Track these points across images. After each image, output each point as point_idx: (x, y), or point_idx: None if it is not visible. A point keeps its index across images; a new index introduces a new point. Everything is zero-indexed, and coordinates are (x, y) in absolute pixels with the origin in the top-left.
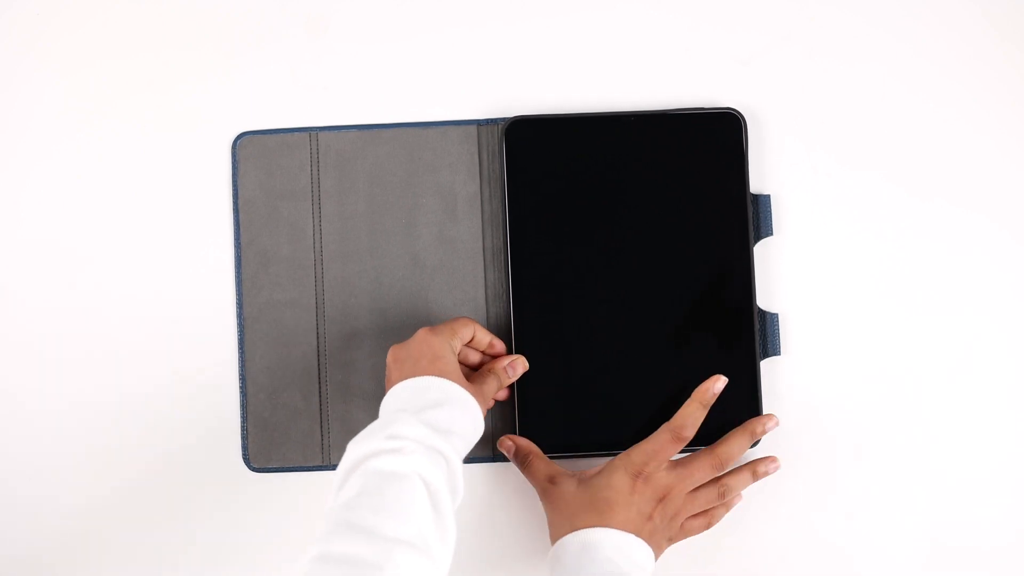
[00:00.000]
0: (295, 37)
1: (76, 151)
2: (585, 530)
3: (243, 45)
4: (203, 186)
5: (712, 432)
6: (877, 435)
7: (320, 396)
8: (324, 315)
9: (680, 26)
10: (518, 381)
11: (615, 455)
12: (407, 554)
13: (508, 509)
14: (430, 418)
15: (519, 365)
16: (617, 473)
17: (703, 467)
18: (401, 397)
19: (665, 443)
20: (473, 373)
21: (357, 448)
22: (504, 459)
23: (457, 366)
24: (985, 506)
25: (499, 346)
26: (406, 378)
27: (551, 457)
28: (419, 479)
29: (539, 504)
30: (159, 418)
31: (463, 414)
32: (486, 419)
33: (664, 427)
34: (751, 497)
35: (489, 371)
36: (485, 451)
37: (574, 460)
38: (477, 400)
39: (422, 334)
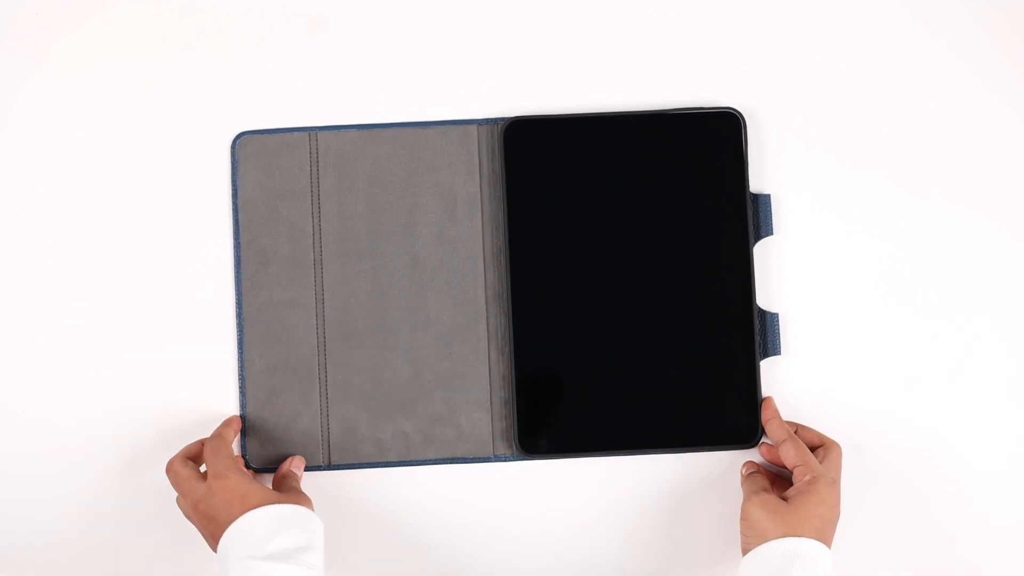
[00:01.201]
0: (295, 37)
1: (76, 151)
2: (798, 539)
3: (243, 45)
4: (203, 186)
5: (707, 433)
6: (877, 435)
7: (320, 396)
8: (324, 315)
9: (680, 26)
10: (517, 381)
11: (615, 455)
12: None
13: (508, 509)
14: (275, 550)
15: (299, 461)
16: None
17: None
18: (226, 546)
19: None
20: (275, 488)
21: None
22: (504, 459)
23: (262, 489)
24: (986, 506)
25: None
26: (225, 528)
27: (551, 457)
28: None
29: (539, 504)
30: (159, 418)
31: (300, 522)
32: (486, 420)
33: (792, 440)
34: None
35: (284, 476)
36: (485, 451)
37: (574, 460)
38: (299, 502)
39: (216, 484)
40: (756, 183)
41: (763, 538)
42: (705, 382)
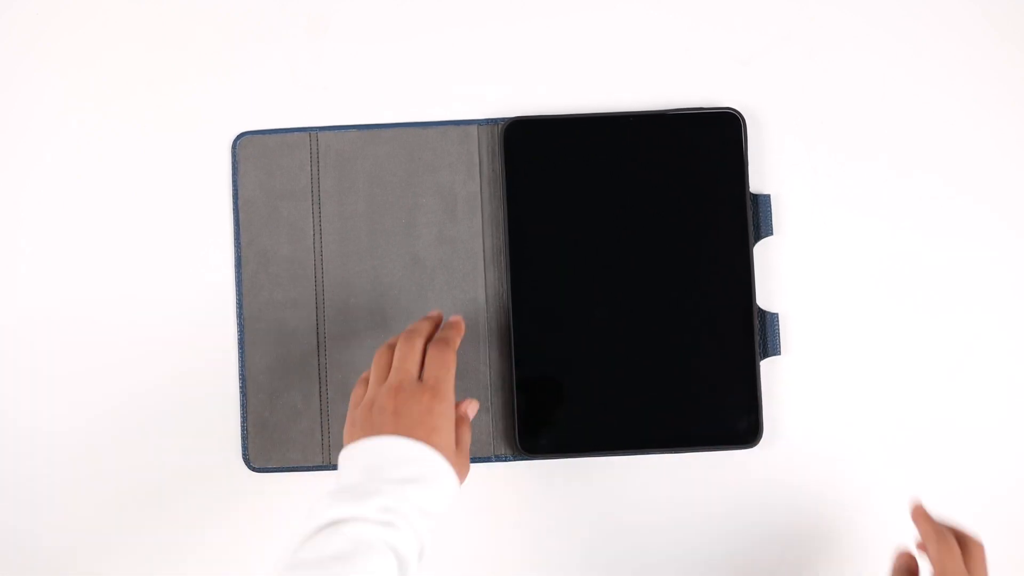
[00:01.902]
0: (295, 37)
1: (76, 151)
2: None
3: (243, 45)
4: (203, 186)
5: (707, 433)
6: (878, 435)
7: (320, 396)
8: (324, 315)
9: (680, 26)
10: (518, 381)
11: (615, 455)
12: None
13: (509, 509)
14: (417, 497)
15: (472, 406)
16: None
17: None
18: (388, 456)
19: None
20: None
21: (340, 508)
22: (504, 459)
23: (453, 440)
24: (987, 505)
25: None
26: (400, 433)
27: (550, 458)
28: (394, 557)
29: (539, 504)
30: (159, 418)
31: (445, 499)
32: (486, 420)
33: (935, 542)
34: (752, 497)
35: (460, 419)
36: (485, 451)
37: (574, 460)
38: (460, 473)
39: (428, 398)
40: (756, 183)
41: None
42: (705, 382)
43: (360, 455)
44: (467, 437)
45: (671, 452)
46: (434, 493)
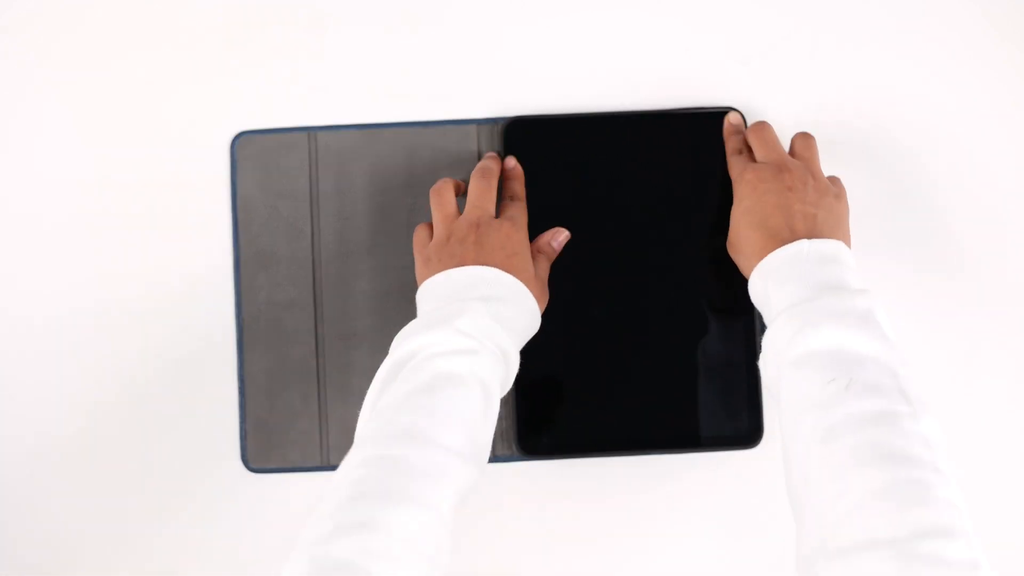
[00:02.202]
0: (294, 37)
1: (75, 151)
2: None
3: (242, 45)
4: (202, 186)
5: (707, 433)
6: None
7: (319, 396)
8: (323, 315)
9: (680, 26)
10: (518, 381)
11: (615, 456)
12: (460, 467)
13: (509, 509)
14: (500, 313)
15: (561, 235)
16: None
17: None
18: (467, 281)
19: None
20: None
21: (419, 337)
22: (504, 459)
23: (531, 267)
24: (986, 505)
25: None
26: (480, 262)
27: (550, 458)
28: (479, 386)
29: (539, 504)
30: (157, 418)
31: (525, 313)
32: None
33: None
34: (751, 497)
35: (537, 250)
36: None
37: (574, 460)
38: (539, 298)
39: (507, 227)
40: None
41: (739, 265)
42: (705, 382)
43: (438, 287)
44: (545, 269)
45: (671, 453)
46: (515, 310)
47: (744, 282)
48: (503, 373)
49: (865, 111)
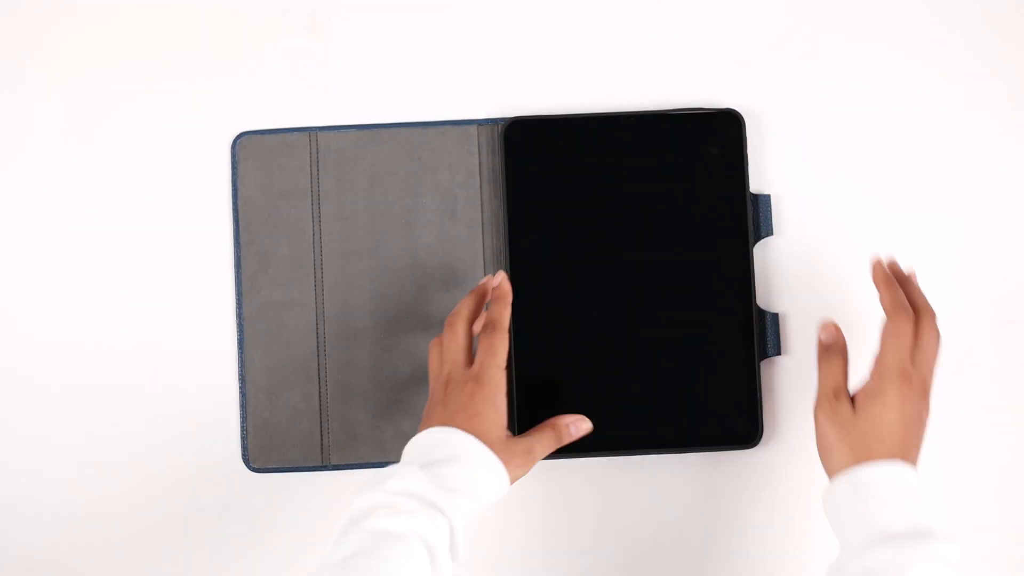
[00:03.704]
0: (295, 37)
1: (76, 151)
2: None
3: (243, 45)
4: (203, 186)
5: (707, 433)
6: None
7: (320, 396)
8: (324, 315)
9: (680, 26)
10: (518, 381)
11: (615, 455)
12: None
13: (509, 509)
14: (439, 473)
15: (584, 425)
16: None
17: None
18: (419, 447)
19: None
20: (532, 427)
21: (358, 501)
22: None
23: (501, 425)
24: (986, 505)
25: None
26: (444, 423)
27: (552, 457)
28: (419, 540)
29: (539, 504)
30: (158, 418)
31: (480, 475)
32: None
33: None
34: (750, 497)
35: (550, 426)
36: None
37: (574, 460)
38: (509, 460)
39: (471, 386)
40: (756, 183)
41: (832, 461)
42: (705, 382)
43: (406, 451)
44: (543, 443)
45: (671, 452)
46: (467, 472)
47: (743, 281)
48: (448, 537)
49: (865, 111)
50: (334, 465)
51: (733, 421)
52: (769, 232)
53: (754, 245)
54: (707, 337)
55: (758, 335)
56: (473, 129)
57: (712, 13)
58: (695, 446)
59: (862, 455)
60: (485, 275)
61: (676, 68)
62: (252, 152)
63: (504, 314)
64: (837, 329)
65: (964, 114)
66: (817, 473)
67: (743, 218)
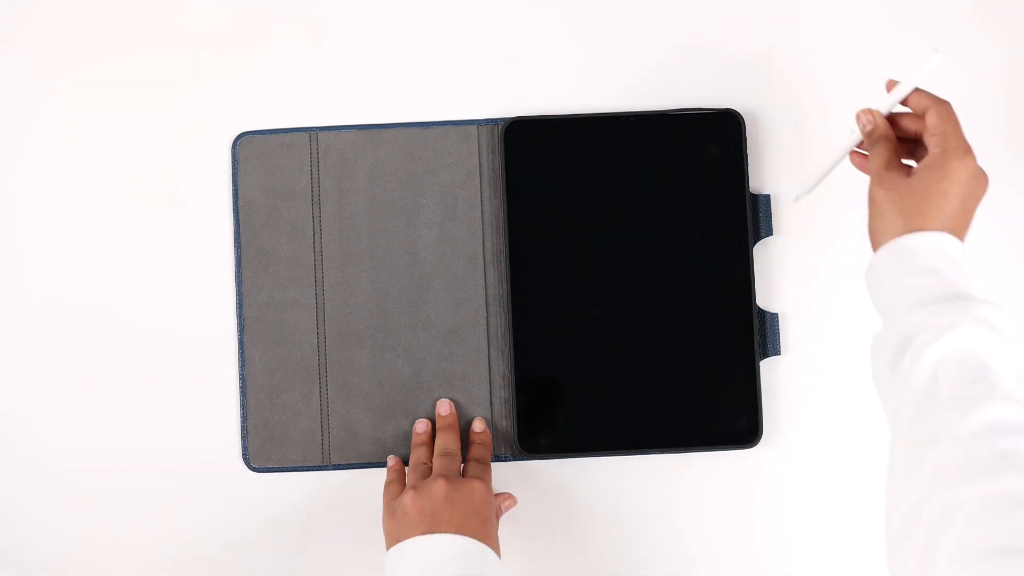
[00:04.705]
0: (295, 37)
1: (77, 151)
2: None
3: (244, 45)
4: (203, 186)
5: (707, 433)
6: (878, 435)
7: (320, 396)
8: (324, 315)
9: (680, 26)
10: (517, 381)
11: (615, 455)
12: None
13: (512, 508)
14: None
15: (509, 502)
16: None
17: None
18: (451, 554)
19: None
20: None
21: None
22: (504, 459)
23: (496, 529)
24: None
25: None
26: (458, 529)
27: (550, 458)
28: None
29: (539, 504)
30: (158, 418)
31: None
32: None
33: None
34: (749, 497)
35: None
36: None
37: (574, 460)
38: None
39: (481, 490)
40: (756, 183)
41: (880, 229)
42: (705, 382)
43: (415, 548)
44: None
45: (671, 452)
46: None
47: (743, 281)
48: None
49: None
50: (334, 465)
51: (733, 421)
52: (769, 232)
53: (754, 245)
54: (707, 337)
55: (758, 335)
56: (473, 129)
57: (712, 13)
58: (695, 446)
59: (914, 223)
60: (484, 275)
61: (676, 68)
62: (253, 152)
63: (489, 458)
64: (873, 113)
65: (965, 114)
66: (817, 473)
67: (743, 218)
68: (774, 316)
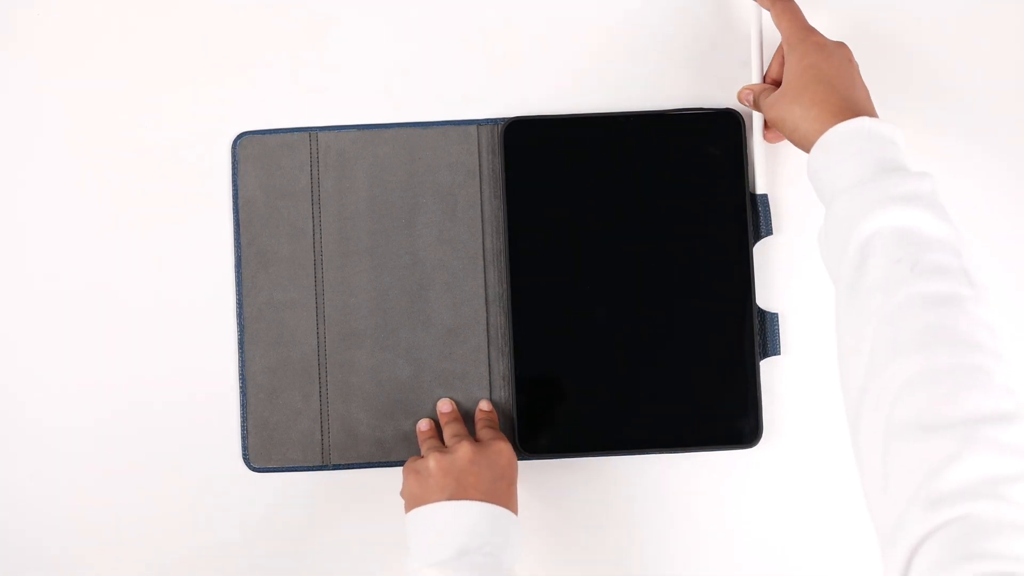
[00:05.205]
0: (296, 37)
1: (77, 151)
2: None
3: (244, 45)
4: (203, 186)
5: (707, 433)
6: None
7: (320, 396)
8: (324, 315)
9: (680, 26)
10: (517, 381)
11: (615, 455)
12: None
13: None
14: (508, 559)
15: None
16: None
17: None
18: (479, 524)
19: None
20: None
21: None
22: None
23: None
24: None
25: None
26: (485, 495)
27: (550, 458)
28: None
29: (539, 504)
30: (159, 418)
31: (518, 546)
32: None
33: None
34: (749, 497)
35: None
36: None
37: (574, 460)
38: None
39: (507, 451)
40: (756, 183)
41: (784, 124)
42: (705, 382)
43: (451, 515)
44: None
45: (671, 452)
46: (516, 548)
47: (743, 281)
48: None
49: None
50: (334, 465)
51: (733, 421)
52: (769, 232)
53: (754, 245)
54: (707, 337)
55: (758, 335)
56: (473, 129)
57: (712, 13)
58: (695, 446)
59: (803, 98)
60: (484, 275)
61: (676, 68)
62: (253, 152)
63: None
64: (746, 89)
65: (966, 113)
66: (817, 473)
67: (743, 218)
68: (774, 316)
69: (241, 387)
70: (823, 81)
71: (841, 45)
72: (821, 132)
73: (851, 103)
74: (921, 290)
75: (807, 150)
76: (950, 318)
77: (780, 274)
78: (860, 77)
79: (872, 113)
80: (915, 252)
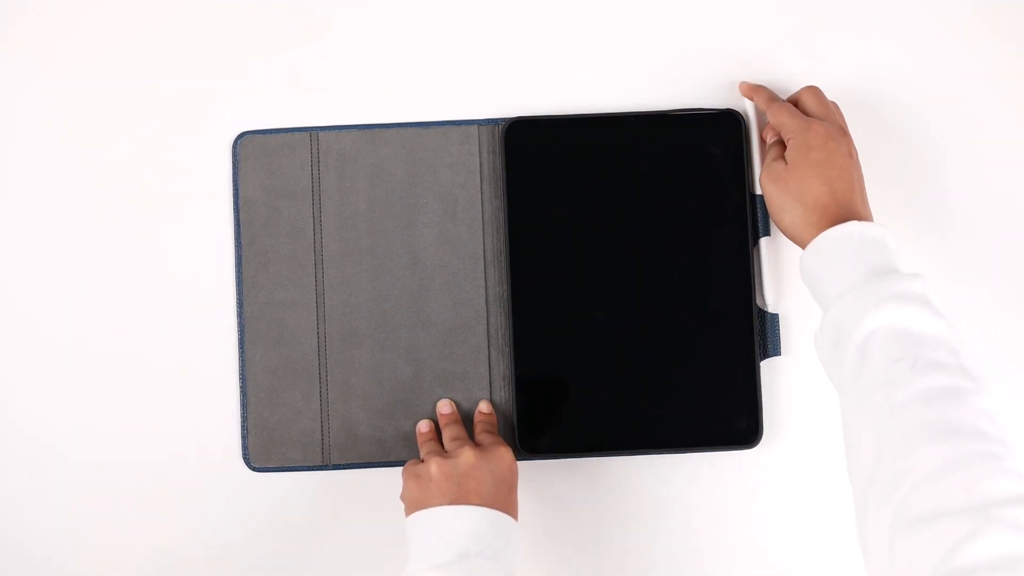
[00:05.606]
0: (296, 37)
1: (77, 151)
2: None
3: (244, 45)
4: (203, 186)
5: (707, 433)
6: None
7: (320, 396)
8: (324, 315)
9: (680, 26)
10: (517, 381)
11: (615, 455)
12: None
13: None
14: (510, 562)
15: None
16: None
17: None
18: (479, 528)
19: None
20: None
21: None
22: None
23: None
24: None
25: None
26: (486, 500)
27: (550, 458)
28: None
29: (539, 504)
30: (159, 418)
31: (519, 550)
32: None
33: (775, 105)
34: (749, 496)
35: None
36: None
37: (574, 460)
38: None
39: (509, 456)
40: (756, 183)
41: (787, 221)
42: (705, 382)
43: (450, 517)
44: None
45: (671, 452)
46: (515, 550)
47: (743, 281)
48: None
49: (864, 111)
50: (335, 464)
51: (733, 421)
52: (769, 232)
53: (754, 245)
54: (707, 337)
55: (758, 335)
56: (473, 129)
57: (712, 13)
58: (695, 446)
59: (805, 199)
60: (484, 275)
61: (676, 68)
62: (253, 152)
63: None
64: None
65: (966, 114)
66: (817, 473)
67: (743, 218)
68: (774, 316)
69: (241, 387)
70: (826, 183)
71: (843, 134)
72: (814, 236)
73: (846, 209)
74: (923, 385)
75: (796, 243)
76: (953, 410)
77: (780, 274)
78: (859, 171)
79: (865, 214)
80: (913, 351)
